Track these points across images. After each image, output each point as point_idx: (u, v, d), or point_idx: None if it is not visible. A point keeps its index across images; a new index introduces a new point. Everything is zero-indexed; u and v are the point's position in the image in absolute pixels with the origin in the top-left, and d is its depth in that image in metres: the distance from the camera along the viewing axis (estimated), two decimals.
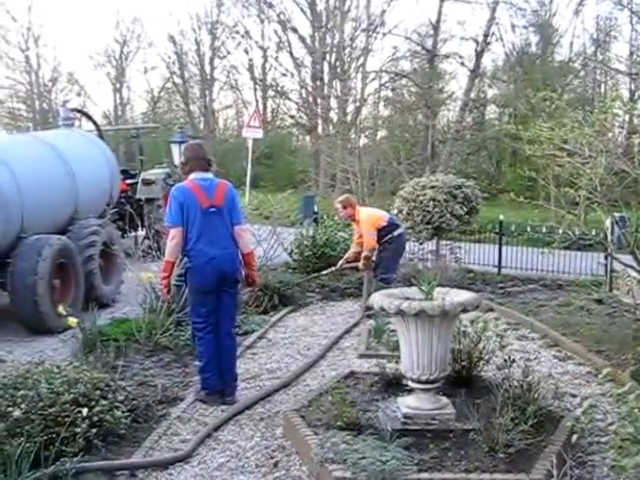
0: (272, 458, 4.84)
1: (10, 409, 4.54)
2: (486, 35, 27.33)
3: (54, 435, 4.49)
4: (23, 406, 4.57)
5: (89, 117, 13.91)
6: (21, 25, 43.72)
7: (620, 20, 28.59)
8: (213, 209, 5.80)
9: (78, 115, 14.08)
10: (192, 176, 5.93)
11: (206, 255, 5.75)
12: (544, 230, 12.60)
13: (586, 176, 7.47)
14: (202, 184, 5.87)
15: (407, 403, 5.08)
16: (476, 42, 27.47)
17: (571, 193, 7.80)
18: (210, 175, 6.02)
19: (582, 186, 7.60)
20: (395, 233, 9.11)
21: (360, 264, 9.25)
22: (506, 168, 29.67)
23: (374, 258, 9.18)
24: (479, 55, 27.62)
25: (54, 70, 42.40)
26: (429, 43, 29.38)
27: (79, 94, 42.18)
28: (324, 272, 10.20)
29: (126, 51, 42.16)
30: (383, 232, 9.04)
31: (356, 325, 8.67)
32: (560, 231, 9.61)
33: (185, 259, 6.08)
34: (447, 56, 29.24)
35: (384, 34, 30.25)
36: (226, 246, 5.88)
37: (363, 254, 9.10)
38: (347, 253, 9.67)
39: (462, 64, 28.60)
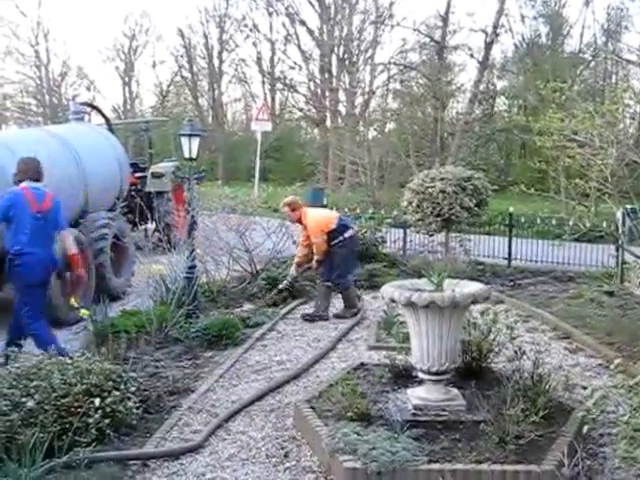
0: (283, 449, 4.86)
1: (24, 399, 4.58)
2: (495, 26, 27.17)
3: (67, 425, 4.54)
4: (37, 396, 4.61)
5: (99, 111, 13.94)
6: (31, 20, 44.02)
7: (631, 10, 28.33)
8: (40, 214, 6.52)
9: (88, 109, 14.10)
10: (25, 184, 6.62)
11: (36, 254, 6.46)
12: (554, 222, 12.57)
13: (597, 167, 7.46)
14: (34, 192, 6.59)
15: (417, 394, 5.09)
16: (485, 33, 27.33)
17: (581, 184, 7.78)
18: (40, 185, 6.73)
19: (593, 177, 7.59)
20: (346, 235, 8.66)
21: (313, 266, 8.97)
22: (516, 160, 29.58)
23: (326, 261, 8.75)
24: (488, 46, 27.47)
25: (64, 65, 42.64)
26: (438, 35, 29.25)
27: (88, 88, 42.41)
28: (281, 286, 9.35)
29: (135, 45, 42.34)
30: (333, 235, 8.60)
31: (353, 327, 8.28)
32: (570, 223, 9.58)
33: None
34: (456, 48, 29.13)
35: (392, 26, 30.22)
36: (50, 247, 6.69)
37: (315, 259, 8.75)
38: (296, 257, 9.23)
39: (471, 56, 28.53)
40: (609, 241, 11.27)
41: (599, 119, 7.64)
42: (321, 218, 8.79)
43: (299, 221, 8.83)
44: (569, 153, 7.90)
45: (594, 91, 25.61)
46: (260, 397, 5.82)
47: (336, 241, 8.54)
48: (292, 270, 9.21)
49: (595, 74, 29.68)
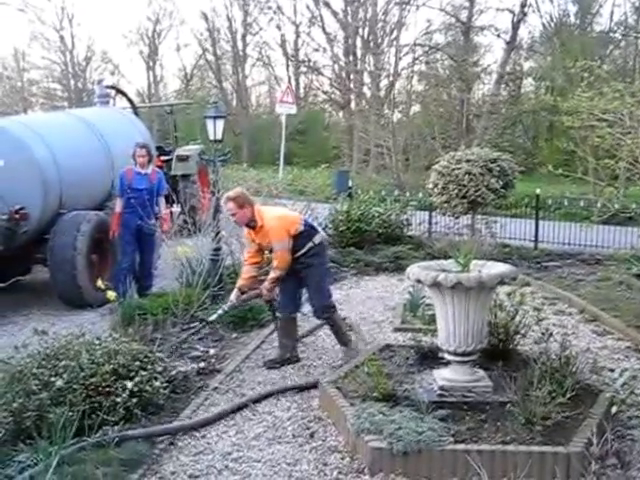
0: (308, 429, 4.89)
1: (53, 379, 4.64)
2: (523, 5, 26.74)
3: (95, 404, 4.60)
4: (65, 376, 4.67)
5: (124, 94, 14.02)
6: (55, 5, 44.28)
7: None
8: None
9: (113, 93, 14.17)
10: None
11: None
12: (582, 204, 12.41)
13: (627, 147, 7.34)
14: None
15: (443, 375, 5.08)
16: (512, 13, 26.96)
17: (611, 165, 7.67)
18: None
19: (622, 157, 7.47)
20: (316, 240, 6.25)
21: (265, 290, 6.34)
22: (542, 142, 29.21)
23: (288, 281, 6.35)
24: (515, 26, 27.09)
25: (88, 49, 42.88)
26: (464, 15, 28.91)
27: (113, 73, 42.64)
28: (212, 317, 6.65)
29: (159, 29, 42.40)
30: (300, 241, 6.19)
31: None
32: (599, 204, 9.46)
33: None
34: (482, 28, 28.80)
35: (418, 7, 29.82)
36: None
37: (272, 275, 6.22)
38: (239, 280, 6.56)
39: (498, 36, 28.18)
40: (639, 223, 11.10)
41: (630, 98, 7.50)
42: (284, 216, 6.43)
43: (249, 224, 6.25)
44: (598, 133, 7.78)
45: (624, 71, 25.13)
46: (286, 377, 5.85)
47: (305, 250, 6.18)
48: (232, 296, 6.55)
49: (625, 53, 29.11)
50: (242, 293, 6.51)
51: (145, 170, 8.84)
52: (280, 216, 6.33)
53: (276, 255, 6.14)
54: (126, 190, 8.72)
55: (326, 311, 6.32)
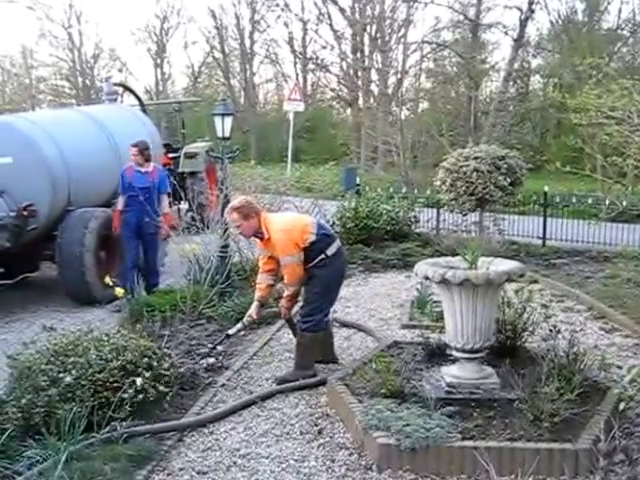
0: (316, 425, 4.89)
1: (62, 375, 4.66)
2: (531, 3, 26.67)
3: (103, 400, 4.61)
4: (74, 372, 4.68)
5: (132, 92, 14.04)
6: (63, 2, 44.42)
7: None
8: None
9: (121, 90, 14.21)
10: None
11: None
12: (590, 201, 12.37)
13: (635, 145, 7.32)
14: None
15: (451, 372, 5.08)
16: (520, 10, 26.88)
17: (619, 162, 7.64)
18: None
19: (631, 155, 7.45)
20: (329, 252, 5.64)
21: (284, 309, 6.00)
22: (550, 140, 29.13)
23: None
24: (523, 24, 27.00)
25: (96, 47, 43.00)
26: (472, 12, 28.84)
27: (121, 70, 42.75)
28: (231, 331, 6.23)
29: (166, 26, 42.47)
30: (312, 252, 5.62)
31: None
32: (607, 202, 9.44)
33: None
34: (490, 25, 28.72)
35: (426, 4, 29.75)
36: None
37: (287, 293, 5.84)
38: (257, 292, 6.06)
39: (506, 33, 28.08)
40: None
41: (637, 96, 7.48)
42: (291, 224, 5.75)
43: (257, 234, 5.79)
44: (606, 130, 7.76)
45: (632, 68, 25.00)
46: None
47: (316, 261, 5.63)
48: (252, 310, 6.04)
49: (633, 51, 28.97)
50: (262, 306, 6.10)
51: (145, 168, 8.81)
52: (288, 228, 5.65)
53: (285, 270, 5.68)
54: (127, 188, 8.74)
55: (304, 322, 5.71)
